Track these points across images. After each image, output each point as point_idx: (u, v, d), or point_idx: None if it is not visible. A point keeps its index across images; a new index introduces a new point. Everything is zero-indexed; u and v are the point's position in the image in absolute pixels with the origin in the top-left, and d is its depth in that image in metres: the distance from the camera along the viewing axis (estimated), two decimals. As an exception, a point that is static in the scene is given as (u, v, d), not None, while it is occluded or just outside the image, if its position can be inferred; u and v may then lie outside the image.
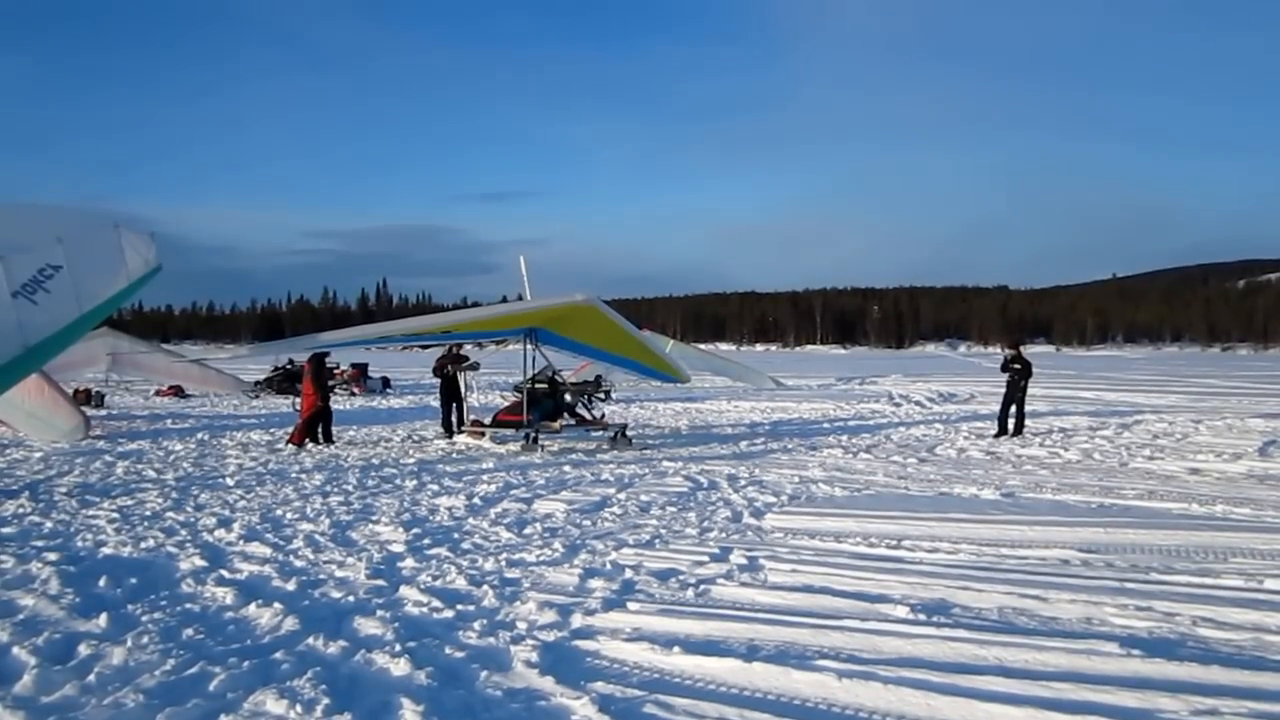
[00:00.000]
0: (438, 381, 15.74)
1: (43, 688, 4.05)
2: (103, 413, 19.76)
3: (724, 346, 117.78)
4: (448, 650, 4.61)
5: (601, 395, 15.93)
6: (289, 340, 20.68)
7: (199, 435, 15.09)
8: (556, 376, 14.97)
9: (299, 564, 6.44)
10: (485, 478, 10.49)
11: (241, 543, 7.06)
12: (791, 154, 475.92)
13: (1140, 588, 5.71)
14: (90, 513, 8.21)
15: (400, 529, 7.59)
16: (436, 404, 16.46)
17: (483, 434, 14.16)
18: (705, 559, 6.54)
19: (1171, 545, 6.97)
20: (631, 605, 5.39)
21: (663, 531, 7.59)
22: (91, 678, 4.16)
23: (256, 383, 25.88)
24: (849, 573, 6.09)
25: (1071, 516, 8.17)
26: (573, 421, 14.70)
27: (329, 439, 14.26)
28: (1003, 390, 15.75)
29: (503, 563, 6.46)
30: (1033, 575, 6.02)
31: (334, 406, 15.15)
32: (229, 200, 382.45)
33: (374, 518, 8.13)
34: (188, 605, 5.37)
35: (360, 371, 28.45)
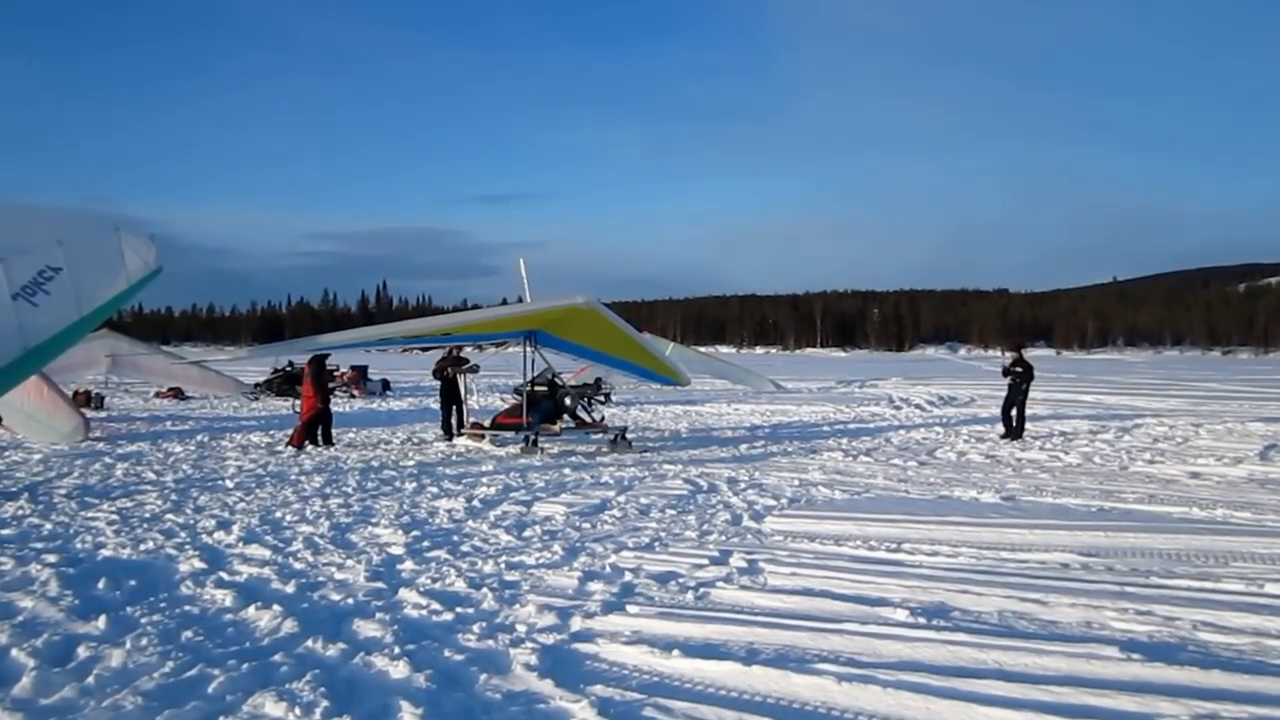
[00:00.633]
0: (437, 384, 15.74)
1: (42, 690, 4.05)
2: (102, 414, 19.78)
3: (724, 349, 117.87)
4: (447, 653, 4.61)
5: (601, 398, 15.93)
6: (289, 342, 20.68)
7: (198, 437, 15.09)
8: (556, 379, 14.96)
9: (298, 566, 6.44)
10: (485, 480, 10.49)
11: (241, 545, 7.06)
12: (791, 157, 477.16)
13: (1140, 592, 5.70)
14: (89, 515, 8.21)
15: (400, 531, 7.59)
16: (436, 406, 16.46)
17: (482, 436, 14.18)
18: (705, 562, 6.54)
19: (1172, 549, 6.96)
20: (631, 608, 5.38)
21: (662, 534, 7.58)
22: (90, 680, 4.15)
23: (256, 385, 25.84)
24: (849, 576, 6.09)
25: (1072, 520, 8.16)
26: (572, 424, 14.70)
27: (329, 441, 14.26)
28: (1003, 394, 15.76)
29: (502, 565, 6.46)
30: (1033, 579, 6.02)
31: (334, 409, 15.15)
32: (229, 202, 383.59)
33: (373, 520, 8.13)
34: (187, 607, 5.37)
35: (360, 374, 28.41)
